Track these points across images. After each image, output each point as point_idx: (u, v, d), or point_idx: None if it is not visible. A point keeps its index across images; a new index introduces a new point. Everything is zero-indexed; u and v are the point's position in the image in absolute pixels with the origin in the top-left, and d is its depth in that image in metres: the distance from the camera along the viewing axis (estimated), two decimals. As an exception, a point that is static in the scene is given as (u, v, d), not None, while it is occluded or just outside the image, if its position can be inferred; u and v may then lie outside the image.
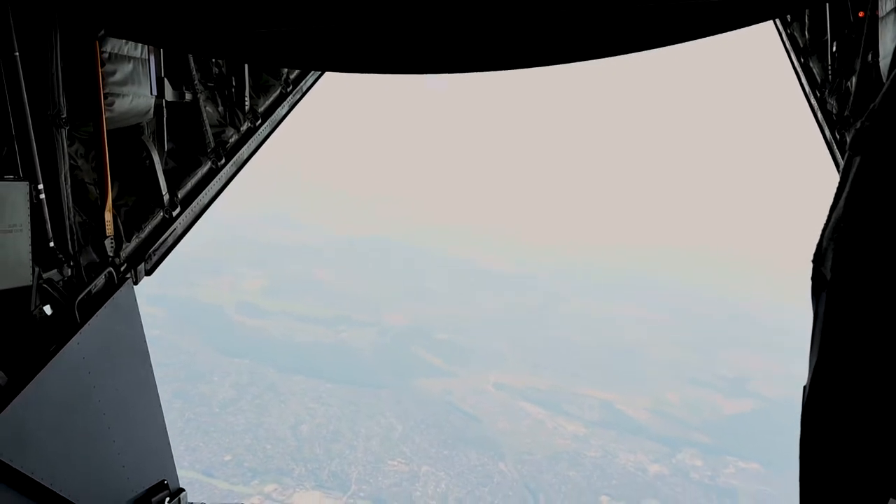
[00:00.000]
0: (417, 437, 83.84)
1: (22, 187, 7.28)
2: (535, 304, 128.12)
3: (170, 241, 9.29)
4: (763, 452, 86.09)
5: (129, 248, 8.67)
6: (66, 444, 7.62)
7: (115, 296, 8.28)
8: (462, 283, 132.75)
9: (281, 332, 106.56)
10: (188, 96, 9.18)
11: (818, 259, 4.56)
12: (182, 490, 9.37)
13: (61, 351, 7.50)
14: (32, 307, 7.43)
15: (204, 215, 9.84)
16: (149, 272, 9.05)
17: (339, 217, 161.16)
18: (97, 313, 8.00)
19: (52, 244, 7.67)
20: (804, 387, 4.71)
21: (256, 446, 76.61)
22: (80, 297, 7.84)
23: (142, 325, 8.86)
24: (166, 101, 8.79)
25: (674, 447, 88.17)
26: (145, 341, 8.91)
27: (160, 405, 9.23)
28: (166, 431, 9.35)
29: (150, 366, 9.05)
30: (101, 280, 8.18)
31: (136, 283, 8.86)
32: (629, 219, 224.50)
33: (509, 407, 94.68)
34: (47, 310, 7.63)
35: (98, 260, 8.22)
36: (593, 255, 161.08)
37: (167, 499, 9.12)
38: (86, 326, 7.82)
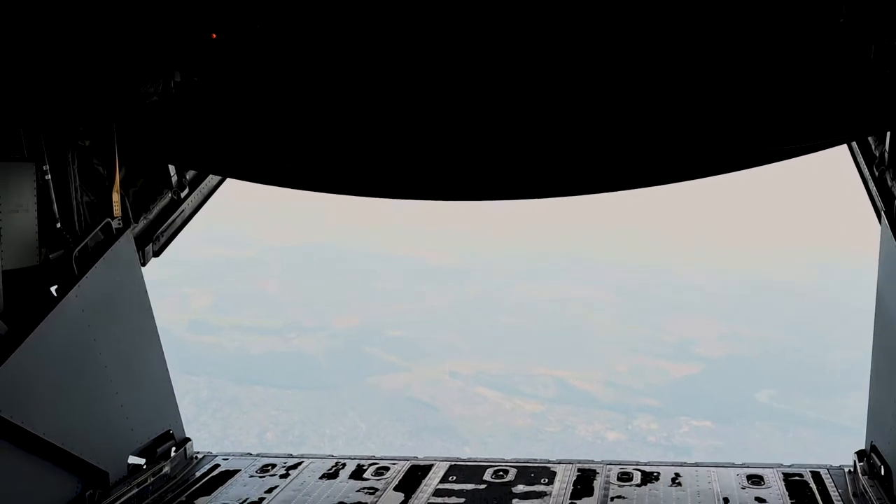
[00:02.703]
0: (382, 431, 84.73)
1: (28, 168, 7.25)
2: (480, 294, 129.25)
3: (178, 222, 9.39)
4: (713, 410, 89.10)
5: (136, 229, 8.73)
6: (67, 397, 7.52)
7: (113, 246, 8.20)
8: (407, 281, 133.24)
9: (234, 345, 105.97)
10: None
11: None
12: (188, 439, 9.36)
13: (60, 304, 7.40)
14: (39, 287, 7.49)
15: (212, 197, 9.90)
16: (156, 253, 9.08)
17: (277, 229, 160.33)
18: (95, 265, 7.89)
19: (58, 225, 7.61)
20: None
21: (225, 458, 76.60)
22: (77, 249, 7.75)
23: (142, 274, 8.78)
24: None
25: (629, 414, 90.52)
26: (146, 291, 8.81)
27: (163, 355, 9.16)
28: (170, 381, 9.29)
29: (152, 315, 8.97)
30: (98, 232, 8.10)
31: (143, 264, 8.86)
32: (558, 203, 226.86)
33: (467, 393, 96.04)
34: (53, 291, 7.61)
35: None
36: (530, 241, 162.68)
37: (173, 448, 9.06)
38: (84, 278, 7.71)
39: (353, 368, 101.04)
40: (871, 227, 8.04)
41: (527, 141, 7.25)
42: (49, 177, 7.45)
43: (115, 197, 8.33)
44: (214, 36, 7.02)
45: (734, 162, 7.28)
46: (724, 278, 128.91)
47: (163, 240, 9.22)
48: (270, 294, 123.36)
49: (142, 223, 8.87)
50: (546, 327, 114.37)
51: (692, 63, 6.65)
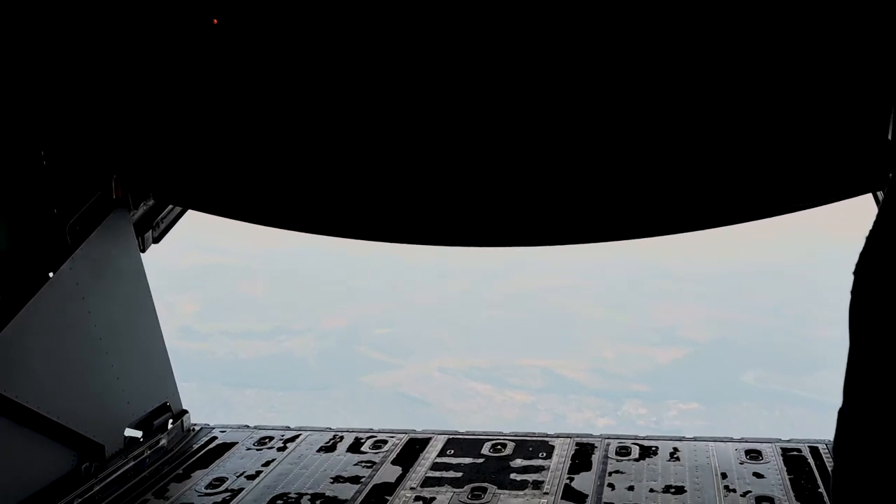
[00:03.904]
0: (375, 427, 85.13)
1: (26, 152, 7.21)
2: (464, 290, 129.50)
3: (177, 209, 9.30)
4: (700, 392, 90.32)
5: (136, 215, 8.65)
6: (61, 371, 7.43)
7: (107, 218, 8.10)
8: (391, 280, 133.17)
9: (223, 350, 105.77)
10: None
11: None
12: (185, 412, 9.34)
13: (53, 276, 7.33)
14: (35, 268, 7.36)
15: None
16: (156, 240, 9.01)
17: (255, 235, 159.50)
18: (89, 237, 7.81)
19: (56, 211, 7.54)
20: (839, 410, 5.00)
21: (221, 461, 76.64)
22: (71, 221, 7.64)
23: (137, 247, 8.72)
24: None
25: (617, 400, 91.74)
26: (141, 263, 8.73)
27: (159, 328, 9.09)
28: (167, 354, 9.22)
29: (148, 288, 8.89)
30: (93, 206, 7.99)
31: (143, 251, 8.79)
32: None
33: (457, 388, 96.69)
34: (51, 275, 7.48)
35: None
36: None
37: (170, 420, 9.03)
38: (78, 251, 7.62)
39: (344, 368, 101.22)
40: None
41: (527, 191, 7.23)
42: (45, 162, 7.40)
43: (115, 184, 8.27)
44: (216, 21, 6.76)
45: (746, 215, 7.41)
46: (706, 264, 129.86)
47: (163, 226, 9.18)
48: (256, 298, 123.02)
49: (141, 209, 8.76)
50: (531, 318, 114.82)
51: (705, 126, 6.62)
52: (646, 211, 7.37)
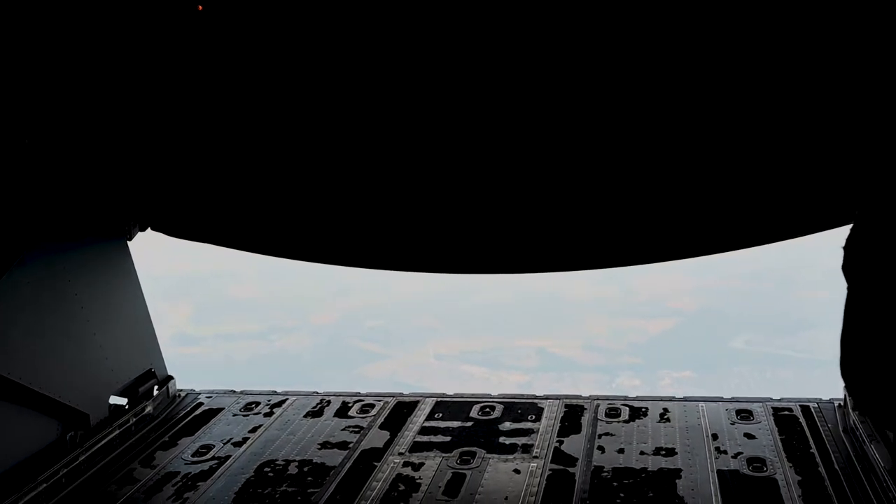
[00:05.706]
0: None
1: (9, 134, 7.03)
2: (449, 277, 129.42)
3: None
4: (692, 360, 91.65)
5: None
6: (43, 341, 7.29)
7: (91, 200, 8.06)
8: (376, 273, 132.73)
9: (219, 353, 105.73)
10: None
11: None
12: (171, 377, 9.22)
13: (34, 248, 7.29)
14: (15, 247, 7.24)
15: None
16: (142, 227, 8.87)
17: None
18: (70, 213, 7.80)
19: (36, 188, 7.41)
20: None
21: (226, 460, 76.64)
22: (52, 199, 7.60)
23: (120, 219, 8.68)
24: None
25: (611, 374, 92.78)
26: (125, 234, 8.71)
27: (143, 296, 8.93)
28: (150, 321, 9.07)
29: (130, 257, 8.79)
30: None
31: (130, 238, 8.72)
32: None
33: (453, 372, 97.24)
34: None
35: None
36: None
37: (155, 387, 8.92)
38: (58, 228, 7.64)
39: (339, 362, 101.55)
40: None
41: (522, 221, 7.34)
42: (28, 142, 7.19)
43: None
44: (201, 8, 6.35)
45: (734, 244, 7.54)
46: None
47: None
48: (246, 301, 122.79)
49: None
50: (521, 300, 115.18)
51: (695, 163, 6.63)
52: (634, 242, 7.55)
